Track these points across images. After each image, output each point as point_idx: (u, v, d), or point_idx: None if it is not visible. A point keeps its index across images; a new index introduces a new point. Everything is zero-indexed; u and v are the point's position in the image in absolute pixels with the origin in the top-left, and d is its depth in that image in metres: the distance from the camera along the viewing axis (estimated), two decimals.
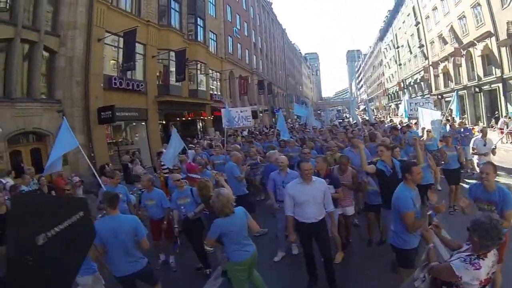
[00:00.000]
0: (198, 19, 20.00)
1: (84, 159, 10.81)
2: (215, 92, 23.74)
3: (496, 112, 20.48)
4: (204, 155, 8.53)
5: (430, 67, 31.39)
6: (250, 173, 8.01)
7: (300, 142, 9.50)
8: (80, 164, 10.70)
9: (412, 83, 39.24)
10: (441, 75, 29.57)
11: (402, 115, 17.91)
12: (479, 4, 20.41)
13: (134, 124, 15.84)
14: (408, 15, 36.89)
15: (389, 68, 53.35)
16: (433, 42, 30.13)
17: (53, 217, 1.52)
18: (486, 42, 20.22)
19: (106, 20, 12.66)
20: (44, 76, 11.06)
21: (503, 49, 18.78)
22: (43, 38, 10.43)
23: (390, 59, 51.56)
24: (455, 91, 12.29)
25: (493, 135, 11.46)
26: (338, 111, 43.80)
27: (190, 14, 19.28)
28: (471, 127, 13.43)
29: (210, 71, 22.26)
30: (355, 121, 17.64)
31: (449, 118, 13.95)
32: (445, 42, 26.91)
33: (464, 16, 22.72)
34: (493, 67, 20.17)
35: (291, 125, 22.32)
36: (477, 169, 7.21)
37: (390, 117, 35.40)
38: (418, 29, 33.99)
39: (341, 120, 30.01)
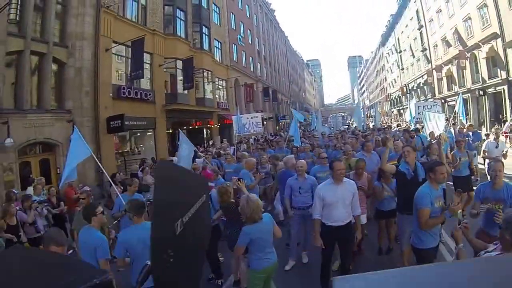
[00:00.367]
0: (203, 27, 20.21)
1: (90, 169, 10.96)
2: (222, 100, 23.81)
3: (503, 116, 20.10)
4: (214, 163, 8.43)
5: (434, 70, 31.28)
6: (261, 182, 7.87)
7: (311, 148, 9.40)
8: (88, 174, 10.70)
9: (415, 88, 39.11)
10: (444, 79, 29.42)
11: (409, 120, 17.77)
12: (485, 5, 20.23)
13: (138, 134, 15.88)
14: (411, 19, 36.98)
15: (392, 73, 53.34)
16: (437, 45, 30.11)
17: (189, 195, 1.23)
18: (491, 43, 20.05)
19: (113, 30, 12.81)
20: (54, 87, 11.14)
21: (509, 51, 18.58)
22: (51, 50, 10.55)
23: (393, 64, 51.55)
24: (460, 94, 12.09)
25: (500, 139, 11.16)
26: (342, 117, 43.73)
27: (195, 22, 19.46)
28: (479, 131, 13.06)
29: (216, 79, 22.36)
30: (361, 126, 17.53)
31: (455, 121, 13.51)
32: (449, 45, 26.85)
33: (470, 18, 22.60)
34: (498, 69, 19.95)
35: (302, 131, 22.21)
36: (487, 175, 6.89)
37: (396, 122, 35.18)
38: (421, 33, 34.04)
39: (346, 126, 29.96)
